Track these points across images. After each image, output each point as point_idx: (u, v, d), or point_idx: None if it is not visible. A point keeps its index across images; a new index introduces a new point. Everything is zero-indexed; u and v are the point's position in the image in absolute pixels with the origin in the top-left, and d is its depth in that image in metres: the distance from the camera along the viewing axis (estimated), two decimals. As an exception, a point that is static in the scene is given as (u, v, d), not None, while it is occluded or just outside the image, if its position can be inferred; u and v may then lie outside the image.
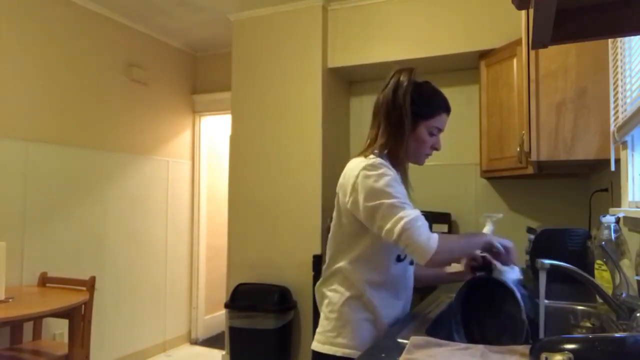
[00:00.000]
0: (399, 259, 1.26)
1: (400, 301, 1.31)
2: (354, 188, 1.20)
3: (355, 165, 1.24)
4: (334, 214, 1.30)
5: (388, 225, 1.12)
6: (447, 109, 1.31)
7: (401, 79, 1.27)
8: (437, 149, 1.32)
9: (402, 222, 1.10)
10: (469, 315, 1.21)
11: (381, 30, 3.05)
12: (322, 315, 1.31)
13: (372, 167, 1.19)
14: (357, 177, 1.20)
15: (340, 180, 1.29)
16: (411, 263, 1.33)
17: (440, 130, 1.31)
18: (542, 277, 1.05)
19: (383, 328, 1.24)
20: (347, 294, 1.25)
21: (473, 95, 3.06)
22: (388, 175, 1.18)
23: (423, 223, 1.12)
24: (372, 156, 1.24)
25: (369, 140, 1.31)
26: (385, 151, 1.27)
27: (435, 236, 1.11)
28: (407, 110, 1.24)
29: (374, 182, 1.17)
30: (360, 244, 1.24)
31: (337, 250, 1.28)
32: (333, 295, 1.27)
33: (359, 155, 1.28)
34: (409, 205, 1.16)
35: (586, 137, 1.74)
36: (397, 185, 1.19)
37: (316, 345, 1.28)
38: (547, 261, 1.07)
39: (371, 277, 1.24)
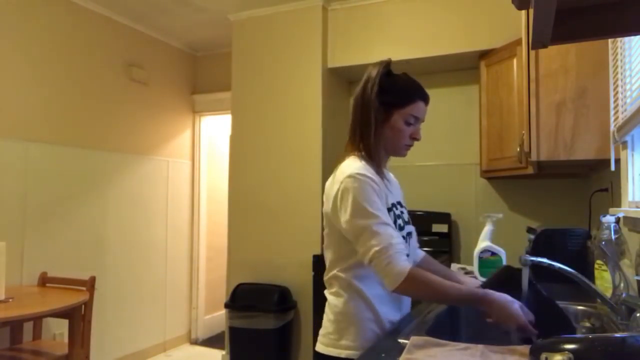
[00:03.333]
0: None
1: (401, 299, 1.31)
2: (336, 198, 1.21)
3: (340, 174, 1.23)
4: (325, 222, 1.29)
5: (362, 249, 1.16)
6: (423, 98, 1.28)
7: (371, 72, 1.26)
8: (416, 139, 1.30)
9: (371, 251, 1.13)
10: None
11: (381, 30, 3.05)
12: (325, 317, 1.30)
13: (353, 178, 1.18)
14: (339, 188, 1.20)
15: (327, 187, 1.28)
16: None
17: (418, 119, 1.28)
18: (525, 273, 1.06)
19: (386, 327, 1.24)
20: (348, 295, 1.24)
21: (473, 95, 3.06)
22: (367, 189, 1.17)
23: (394, 252, 1.11)
24: (352, 158, 1.25)
25: (346, 143, 1.30)
26: (361, 147, 1.27)
27: (401, 271, 1.10)
28: (374, 100, 1.23)
29: (354, 198, 1.16)
30: (352, 250, 1.22)
31: (333, 257, 1.28)
32: (335, 298, 1.28)
33: (341, 159, 1.27)
34: (384, 226, 1.14)
35: (586, 137, 1.74)
36: (376, 197, 1.17)
37: (320, 347, 1.28)
38: (531, 257, 1.07)
39: (368, 281, 1.24)
